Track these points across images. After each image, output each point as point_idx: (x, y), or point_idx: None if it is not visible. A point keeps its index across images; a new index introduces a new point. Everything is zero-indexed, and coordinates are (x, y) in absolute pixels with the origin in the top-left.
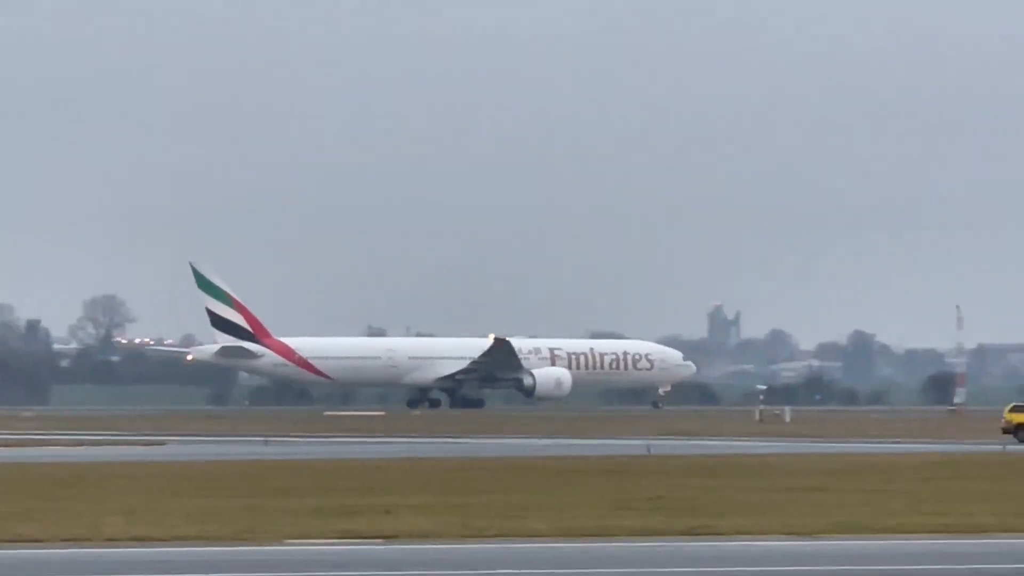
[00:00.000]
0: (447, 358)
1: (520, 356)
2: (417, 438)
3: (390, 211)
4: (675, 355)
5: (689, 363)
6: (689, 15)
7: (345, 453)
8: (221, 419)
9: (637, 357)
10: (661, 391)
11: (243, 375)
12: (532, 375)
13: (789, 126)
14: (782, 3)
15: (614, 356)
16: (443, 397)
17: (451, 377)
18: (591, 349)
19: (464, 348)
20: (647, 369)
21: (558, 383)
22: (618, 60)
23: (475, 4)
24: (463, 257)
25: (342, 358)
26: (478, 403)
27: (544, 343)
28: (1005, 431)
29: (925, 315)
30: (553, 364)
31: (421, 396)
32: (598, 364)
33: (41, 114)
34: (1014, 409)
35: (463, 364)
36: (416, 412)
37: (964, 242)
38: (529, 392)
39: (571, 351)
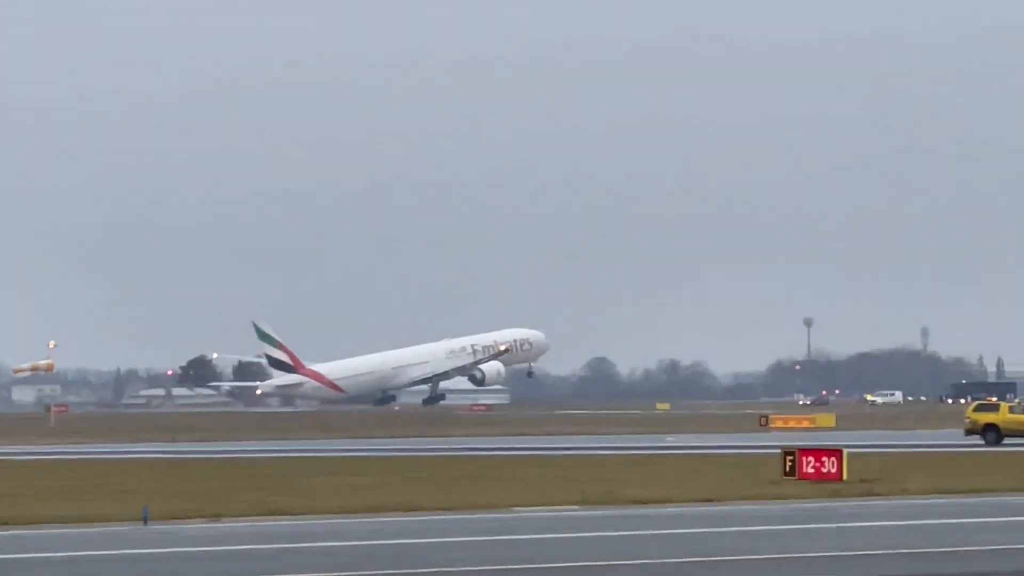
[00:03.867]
0: (413, 364)
1: (455, 352)
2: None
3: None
4: (540, 336)
5: (547, 340)
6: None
7: None
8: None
9: (523, 341)
10: (531, 365)
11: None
12: (482, 370)
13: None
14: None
15: (512, 342)
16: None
17: (425, 380)
18: (494, 340)
19: (425, 354)
20: (528, 349)
21: (499, 372)
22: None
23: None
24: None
25: (353, 376)
26: (441, 398)
27: (467, 340)
28: (970, 432)
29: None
30: (474, 356)
31: (388, 397)
32: (497, 349)
33: None
34: (978, 408)
35: (427, 368)
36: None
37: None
38: (480, 382)
39: (485, 344)
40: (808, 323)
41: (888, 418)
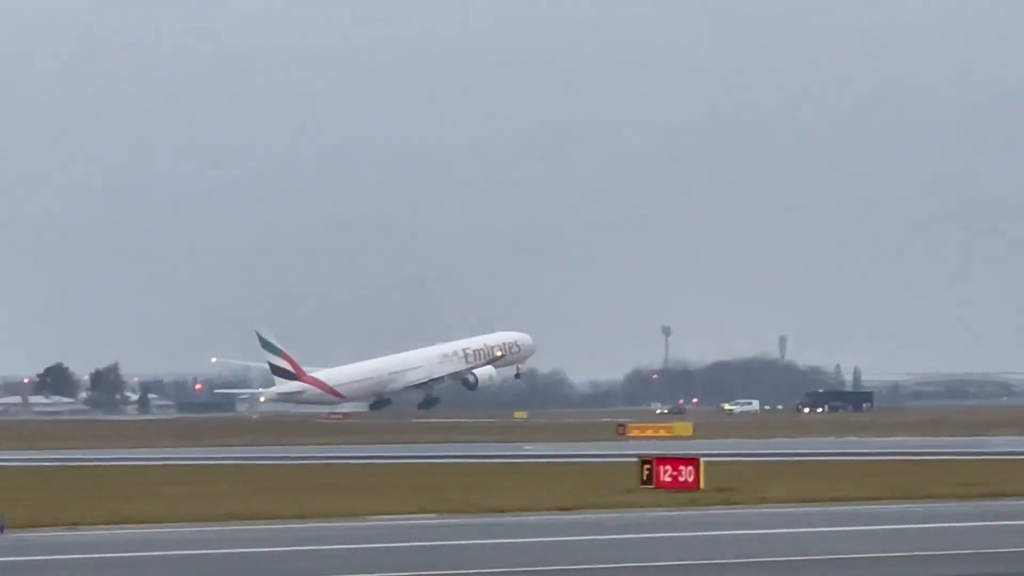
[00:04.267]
0: (408, 369)
1: (448, 356)
2: None
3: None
4: (528, 338)
5: (534, 343)
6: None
7: None
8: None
9: (511, 344)
10: (520, 367)
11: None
12: (475, 375)
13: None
14: None
15: (503, 345)
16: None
17: (421, 384)
18: (484, 344)
19: (420, 358)
20: (517, 352)
21: (490, 376)
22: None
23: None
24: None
25: (352, 382)
26: (436, 401)
27: (458, 344)
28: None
29: None
30: (466, 361)
31: (383, 401)
32: (492, 354)
33: None
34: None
35: (421, 372)
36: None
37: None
38: (473, 387)
39: (476, 347)
40: (666, 331)
41: (745, 427)
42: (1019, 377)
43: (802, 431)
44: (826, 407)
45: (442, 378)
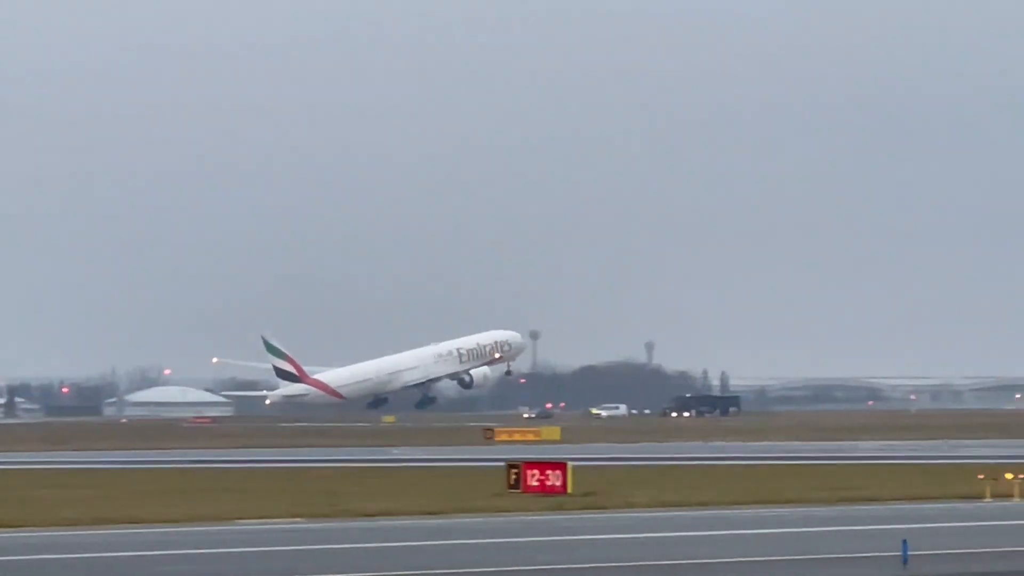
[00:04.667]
0: (406, 369)
1: (442, 356)
2: None
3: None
4: (518, 336)
5: (523, 341)
6: None
7: None
8: None
9: (503, 343)
10: (510, 365)
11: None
12: (471, 375)
13: None
14: None
15: (495, 344)
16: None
17: (418, 384)
18: (477, 343)
19: (416, 359)
20: (508, 350)
21: (485, 376)
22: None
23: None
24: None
25: (352, 383)
26: (433, 400)
27: (452, 344)
28: None
29: None
30: (460, 361)
31: (380, 400)
32: (485, 352)
33: None
34: None
35: (418, 373)
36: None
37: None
38: (468, 386)
39: (469, 347)
40: (534, 335)
41: (613, 431)
42: (886, 382)
43: (670, 435)
44: (693, 411)
45: (439, 378)
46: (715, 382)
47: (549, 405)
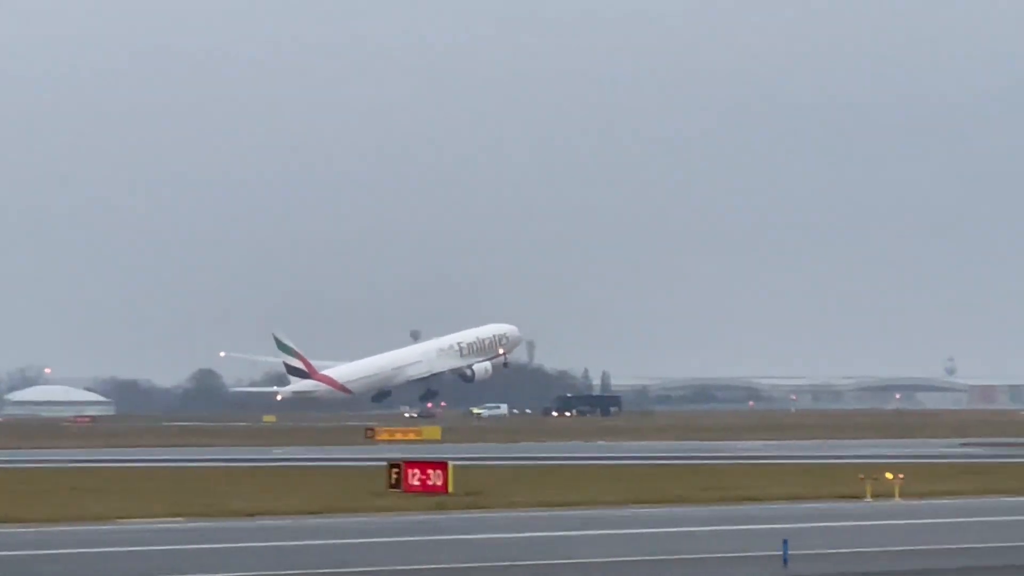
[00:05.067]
0: (410, 364)
1: (444, 350)
2: None
3: None
4: (515, 329)
5: (520, 334)
6: None
7: None
8: None
9: (501, 336)
10: (506, 356)
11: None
12: (472, 369)
13: None
14: None
15: (494, 337)
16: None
17: (421, 379)
18: (477, 337)
19: (419, 353)
20: (506, 343)
21: (486, 370)
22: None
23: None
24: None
25: (359, 378)
26: (436, 394)
27: (452, 338)
28: None
29: None
30: (461, 355)
31: (385, 393)
32: (485, 346)
33: None
34: None
35: (422, 367)
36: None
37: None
38: (470, 380)
39: (469, 341)
40: (414, 335)
41: (494, 431)
42: (767, 382)
43: (550, 435)
44: (574, 411)
45: (442, 372)
46: (596, 382)
47: (430, 405)
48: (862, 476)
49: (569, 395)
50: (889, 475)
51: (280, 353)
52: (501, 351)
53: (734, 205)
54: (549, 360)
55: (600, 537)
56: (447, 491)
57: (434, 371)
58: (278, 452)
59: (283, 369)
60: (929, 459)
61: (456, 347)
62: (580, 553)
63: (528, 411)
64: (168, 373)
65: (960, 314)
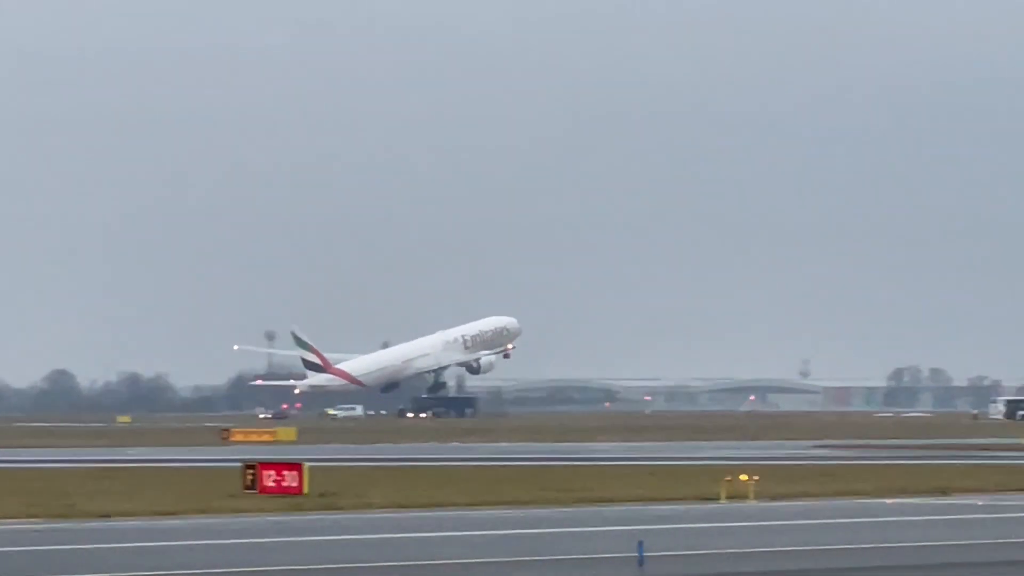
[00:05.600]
0: (418, 357)
1: (449, 343)
2: None
3: None
4: (515, 321)
5: (519, 326)
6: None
7: None
8: None
9: (502, 328)
10: (511, 346)
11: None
12: (479, 361)
13: None
14: None
15: (496, 329)
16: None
17: (430, 371)
18: (480, 330)
19: (427, 346)
20: (507, 335)
21: (491, 363)
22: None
23: None
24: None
25: (371, 372)
26: (443, 385)
27: (457, 331)
28: None
29: None
30: (466, 347)
31: (393, 385)
32: (488, 338)
33: None
34: None
35: (430, 360)
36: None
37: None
38: (476, 371)
39: (472, 333)
40: (269, 336)
41: (349, 432)
42: (622, 383)
43: (406, 436)
44: (430, 412)
45: (449, 365)
46: (451, 383)
47: (285, 406)
48: (719, 478)
49: (424, 396)
50: (744, 476)
51: (297, 349)
52: (511, 345)
53: (585, 206)
54: None
55: (455, 538)
56: (302, 492)
57: (441, 364)
58: (133, 453)
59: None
60: (783, 461)
61: (461, 340)
62: (435, 554)
63: (383, 412)
64: (23, 373)
65: (815, 316)
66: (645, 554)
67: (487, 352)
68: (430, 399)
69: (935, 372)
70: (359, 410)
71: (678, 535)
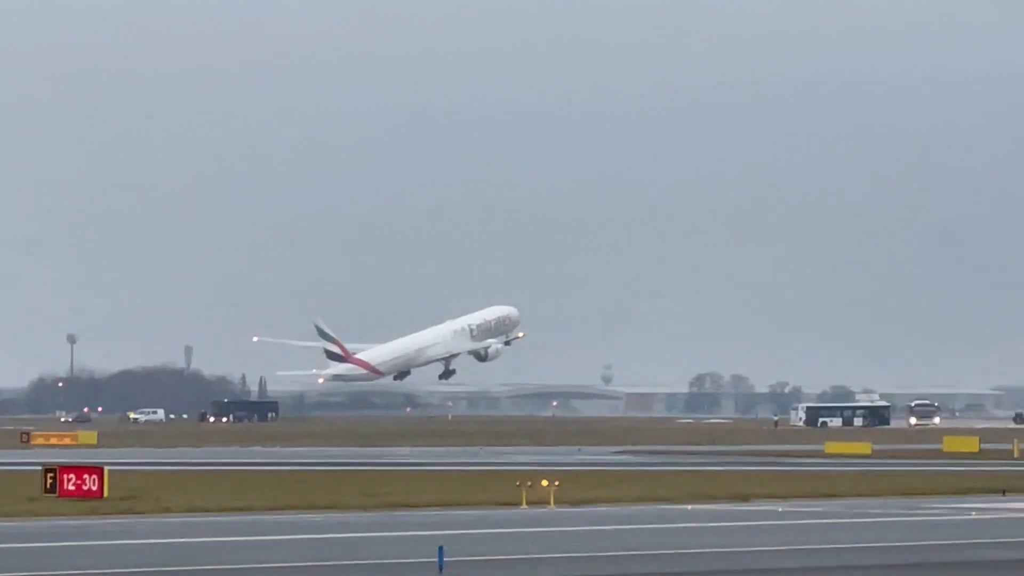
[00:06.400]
0: (430, 345)
1: (457, 332)
2: None
3: None
4: (515, 311)
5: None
6: None
7: None
8: None
9: (504, 317)
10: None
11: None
12: (486, 350)
13: None
14: None
15: (499, 318)
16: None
17: (441, 359)
18: (484, 319)
19: (437, 335)
20: (508, 324)
21: (497, 351)
22: None
23: None
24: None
25: (388, 360)
26: (453, 372)
27: (464, 320)
28: None
29: None
30: (472, 336)
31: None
32: (491, 327)
33: None
34: None
35: (440, 348)
36: None
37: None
38: (484, 359)
39: (478, 322)
40: (72, 339)
41: (150, 436)
42: (423, 388)
43: (207, 440)
44: (232, 416)
45: (458, 353)
46: (253, 388)
47: (87, 409)
48: (519, 483)
49: (226, 400)
50: (545, 482)
51: (320, 340)
52: (520, 334)
53: (408, 205)
54: (208, 366)
55: (253, 543)
56: (103, 496)
57: (451, 352)
58: None
59: None
60: (584, 466)
61: (468, 329)
62: (233, 559)
63: (185, 416)
64: None
65: (618, 322)
66: (445, 559)
67: (493, 340)
68: (232, 403)
69: (736, 379)
70: (160, 414)
71: (478, 540)
